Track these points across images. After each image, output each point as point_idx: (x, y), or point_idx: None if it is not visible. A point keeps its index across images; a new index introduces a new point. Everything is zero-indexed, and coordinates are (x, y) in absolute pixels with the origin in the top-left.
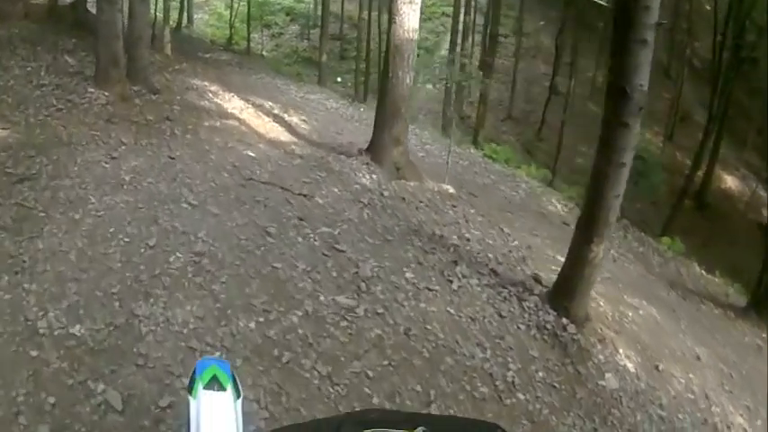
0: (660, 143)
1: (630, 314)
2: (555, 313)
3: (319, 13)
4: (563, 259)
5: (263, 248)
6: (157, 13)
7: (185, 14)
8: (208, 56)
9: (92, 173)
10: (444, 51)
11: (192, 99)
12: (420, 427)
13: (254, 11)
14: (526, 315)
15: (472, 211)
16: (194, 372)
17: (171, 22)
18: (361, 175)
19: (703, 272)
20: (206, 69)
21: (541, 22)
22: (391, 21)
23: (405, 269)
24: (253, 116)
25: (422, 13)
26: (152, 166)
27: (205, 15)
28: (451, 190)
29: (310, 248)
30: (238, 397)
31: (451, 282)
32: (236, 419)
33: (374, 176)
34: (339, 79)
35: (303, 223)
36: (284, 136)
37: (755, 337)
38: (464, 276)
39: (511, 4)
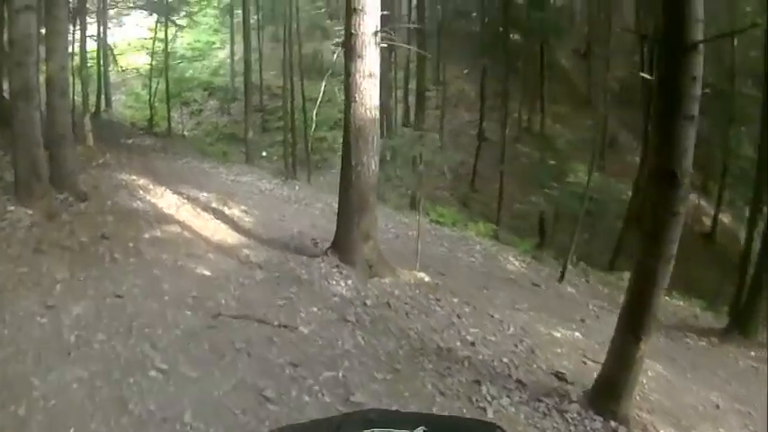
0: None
1: (645, 381)
2: (601, 419)
3: (237, 85)
4: (559, 335)
5: (267, 422)
6: (75, 98)
7: (103, 97)
8: (131, 141)
9: (27, 334)
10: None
11: (124, 201)
12: (420, 427)
13: (172, 88)
14: (572, 428)
15: (455, 300)
16: None
17: (90, 107)
18: (335, 282)
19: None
20: (131, 159)
21: (465, 71)
22: (349, 99)
23: (432, 407)
24: (191, 215)
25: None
26: (98, 312)
27: (122, 96)
28: (427, 278)
29: (322, 408)
30: None
31: (485, 410)
32: None
33: (350, 282)
34: (264, 153)
35: (300, 372)
36: (231, 237)
37: (746, 359)
38: (493, 398)
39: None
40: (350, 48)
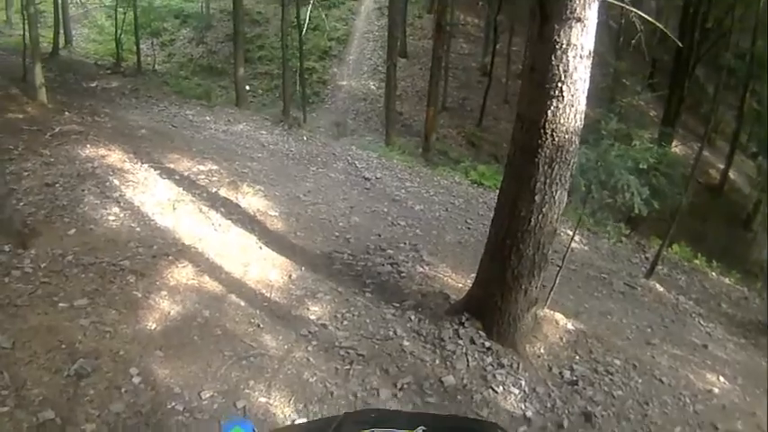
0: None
1: None
2: None
3: (211, 11)
4: (717, 390)
5: None
6: (25, 41)
7: (62, 33)
8: (95, 85)
9: None
10: None
11: (91, 220)
12: (420, 427)
13: (140, 18)
14: None
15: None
16: None
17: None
18: (501, 388)
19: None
20: (96, 114)
21: None
22: (544, 91)
23: None
24: (199, 225)
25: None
26: None
27: (85, 30)
28: (569, 324)
29: None
30: None
31: None
32: None
33: (522, 384)
34: (248, 88)
35: None
36: (272, 266)
37: None
38: None
39: None
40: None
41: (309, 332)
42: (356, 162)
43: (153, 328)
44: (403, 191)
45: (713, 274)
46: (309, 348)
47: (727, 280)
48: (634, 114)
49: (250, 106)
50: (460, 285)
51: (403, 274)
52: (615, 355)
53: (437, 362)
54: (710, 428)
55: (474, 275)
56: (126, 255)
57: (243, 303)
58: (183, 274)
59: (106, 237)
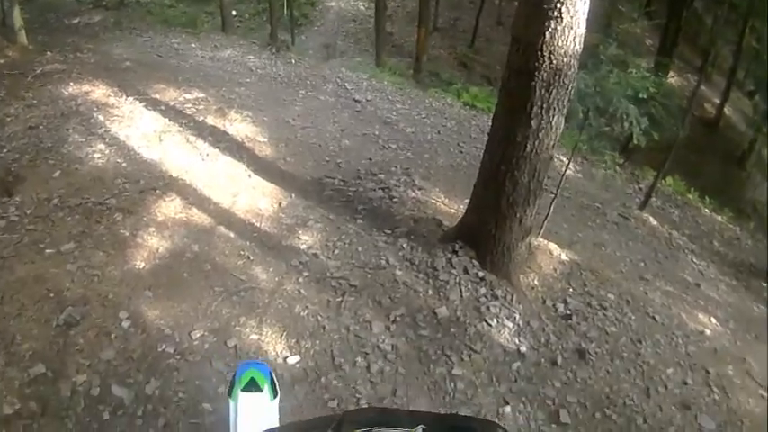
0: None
1: None
2: None
3: None
4: (709, 332)
5: None
6: None
7: None
8: (77, 21)
9: None
10: None
11: (76, 157)
12: (420, 426)
13: None
14: None
15: (609, 294)
16: (234, 376)
17: None
18: (495, 321)
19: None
20: (79, 50)
21: None
22: (542, 11)
23: None
24: (186, 155)
25: None
26: None
27: None
28: (563, 255)
29: None
30: (275, 396)
31: None
32: (273, 417)
33: (517, 317)
34: (234, 12)
35: None
36: (262, 196)
37: None
38: None
39: None
40: None
41: (300, 262)
42: (346, 84)
43: (141, 267)
44: (394, 113)
45: (706, 210)
46: (300, 280)
47: (719, 218)
48: (630, 42)
49: (237, 31)
50: (453, 211)
51: (395, 200)
52: (609, 289)
53: (430, 292)
54: (702, 371)
55: (467, 201)
56: (112, 192)
57: (232, 235)
58: (170, 208)
59: (92, 175)
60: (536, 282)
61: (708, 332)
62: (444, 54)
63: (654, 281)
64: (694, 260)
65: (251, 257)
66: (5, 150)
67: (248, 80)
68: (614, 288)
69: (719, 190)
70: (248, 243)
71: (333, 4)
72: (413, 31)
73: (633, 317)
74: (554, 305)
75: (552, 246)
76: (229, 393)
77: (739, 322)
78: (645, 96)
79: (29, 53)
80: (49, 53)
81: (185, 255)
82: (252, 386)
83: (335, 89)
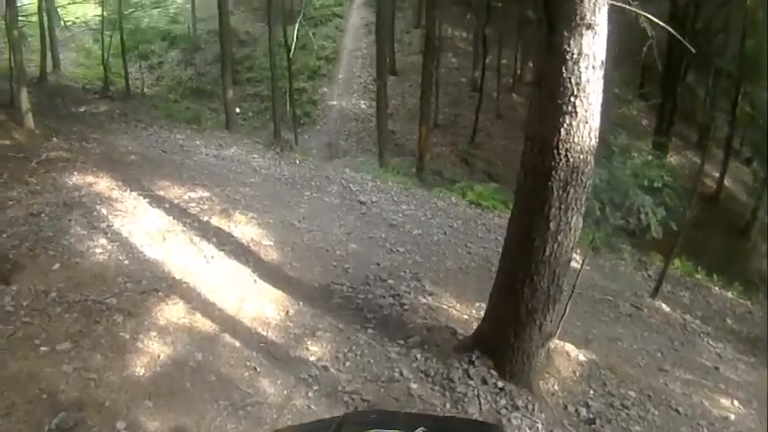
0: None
1: None
2: None
3: (198, 33)
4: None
5: None
6: (12, 65)
7: (49, 57)
8: (83, 110)
9: None
10: None
11: (77, 252)
12: (420, 428)
13: (127, 41)
14: None
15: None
16: None
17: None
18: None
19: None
20: (85, 139)
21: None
22: (554, 107)
23: None
24: (190, 258)
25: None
26: None
27: (72, 53)
28: (581, 355)
29: None
30: None
31: None
32: None
33: (542, 431)
34: (238, 110)
35: None
36: (269, 304)
37: None
38: None
39: None
40: (560, 6)
41: (310, 375)
42: (351, 185)
43: (141, 374)
44: (400, 214)
45: (716, 288)
46: (310, 394)
47: (729, 294)
48: (629, 124)
49: (241, 129)
50: (466, 317)
51: (406, 307)
52: (629, 387)
53: (447, 406)
54: None
55: (479, 305)
56: (113, 291)
57: (238, 344)
58: (173, 312)
59: (92, 271)
60: (556, 387)
61: (732, 417)
62: (446, 151)
63: (673, 371)
64: (710, 343)
65: (258, 369)
66: (5, 236)
67: (253, 180)
68: (634, 385)
69: (726, 264)
70: (255, 353)
71: (335, 102)
72: (414, 129)
73: (656, 412)
74: (576, 410)
75: (569, 347)
76: None
77: (762, 401)
78: (660, 185)
79: (35, 137)
80: (54, 139)
81: (188, 363)
82: None
83: (340, 190)
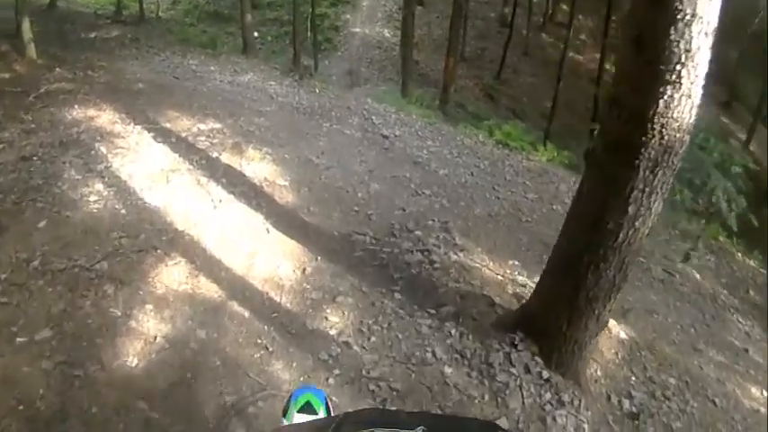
0: None
1: None
2: None
3: None
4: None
5: None
6: None
7: None
8: (93, 36)
9: None
10: None
11: (68, 201)
12: (420, 427)
13: None
14: None
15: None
16: (290, 398)
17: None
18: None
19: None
20: (91, 67)
21: None
22: (654, 76)
23: None
24: (195, 202)
25: None
26: None
27: None
28: (623, 333)
29: None
30: None
31: None
32: None
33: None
34: (256, 34)
35: None
36: (282, 264)
37: None
38: None
39: None
40: None
41: (330, 355)
42: (373, 117)
43: (134, 365)
44: (425, 151)
45: (738, 255)
46: (331, 381)
47: (751, 262)
48: None
49: (258, 54)
50: (500, 278)
51: (436, 265)
52: (669, 371)
53: (486, 398)
54: None
55: (512, 262)
56: (106, 251)
57: (247, 314)
58: (173, 275)
59: (84, 225)
60: (599, 372)
61: (762, 410)
62: (470, 84)
63: (706, 350)
64: (740, 320)
65: (270, 348)
66: None
67: (268, 109)
68: (673, 369)
69: (747, 230)
70: (266, 327)
71: (357, 29)
72: (439, 60)
73: (695, 404)
74: (619, 401)
75: (611, 321)
76: (284, 414)
77: None
78: (739, 170)
79: (36, 68)
80: (57, 69)
81: (189, 345)
82: (307, 409)
83: (362, 122)
